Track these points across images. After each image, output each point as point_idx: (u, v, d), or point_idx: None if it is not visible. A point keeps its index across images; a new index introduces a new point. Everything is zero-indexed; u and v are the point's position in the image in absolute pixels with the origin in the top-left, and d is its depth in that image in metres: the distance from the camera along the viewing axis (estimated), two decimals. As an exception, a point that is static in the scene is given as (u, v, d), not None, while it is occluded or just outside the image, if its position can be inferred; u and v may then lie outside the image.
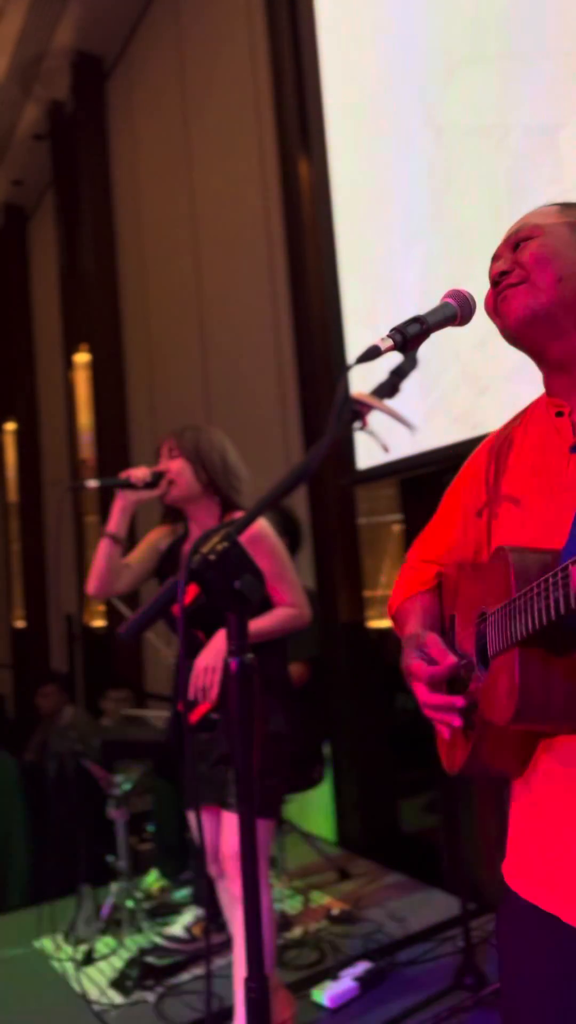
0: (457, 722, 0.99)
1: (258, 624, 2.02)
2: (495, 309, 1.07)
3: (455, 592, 1.14)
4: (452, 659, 1.00)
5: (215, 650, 1.98)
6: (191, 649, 2.05)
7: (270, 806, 2.07)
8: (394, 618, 1.24)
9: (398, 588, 1.25)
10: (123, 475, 2.15)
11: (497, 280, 1.06)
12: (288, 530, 3.17)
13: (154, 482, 2.14)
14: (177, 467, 2.14)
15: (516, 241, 1.06)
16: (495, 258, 1.09)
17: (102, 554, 2.15)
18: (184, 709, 2.07)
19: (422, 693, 1.02)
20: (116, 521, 2.15)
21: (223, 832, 2.06)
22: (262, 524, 2.09)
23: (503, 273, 1.05)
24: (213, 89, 4.57)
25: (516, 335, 1.05)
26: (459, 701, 0.99)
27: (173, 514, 2.28)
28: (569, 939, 0.94)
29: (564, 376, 1.05)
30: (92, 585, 2.18)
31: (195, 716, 2.06)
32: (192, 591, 2.05)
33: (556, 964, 0.96)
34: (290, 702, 2.13)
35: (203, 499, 2.17)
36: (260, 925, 0.99)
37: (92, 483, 2.22)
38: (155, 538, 2.29)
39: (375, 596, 3.74)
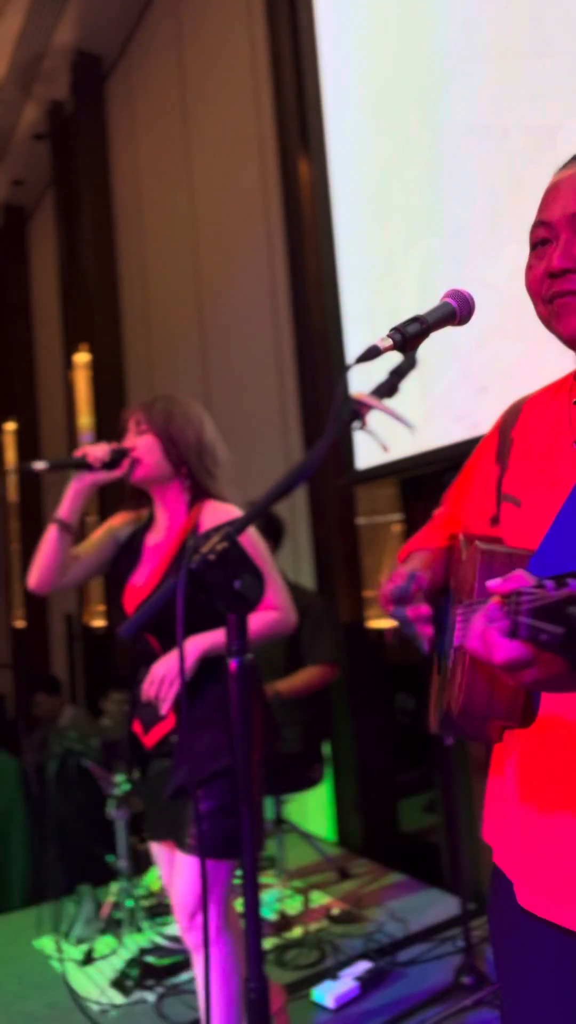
0: (427, 631, 0.99)
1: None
2: (544, 302, 0.98)
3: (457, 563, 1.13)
4: (425, 578, 1.00)
5: (174, 661, 1.77)
6: (145, 659, 1.87)
7: (231, 846, 1.77)
8: (401, 560, 1.22)
9: (414, 539, 1.24)
10: (78, 453, 1.87)
11: (555, 274, 0.95)
12: (271, 530, 3.16)
13: (114, 461, 1.87)
14: (144, 444, 1.88)
15: None
16: (547, 226, 0.97)
17: (47, 543, 1.88)
18: (142, 731, 1.89)
19: (390, 605, 1.01)
20: (67, 506, 1.89)
21: (177, 878, 1.82)
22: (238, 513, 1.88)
23: (565, 271, 0.94)
24: (213, 89, 4.57)
25: (569, 343, 0.99)
26: (427, 613, 0.99)
27: (138, 497, 2.02)
28: (521, 913, 0.96)
29: None
30: (33, 577, 1.93)
31: (152, 739, 1.86)
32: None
33: (514, 934, 0.98)
34: (265, 726, 1.86)
35: (172, 482, 1.91)
36: (260, 925, 0.99)
37: (39, 465, 1.85)
38: (115, 525, 2.03)
39: (375, 596, 3.74)
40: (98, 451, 1.87)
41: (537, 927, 0.94)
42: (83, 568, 1.96)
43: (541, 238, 0.99)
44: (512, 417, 1.13)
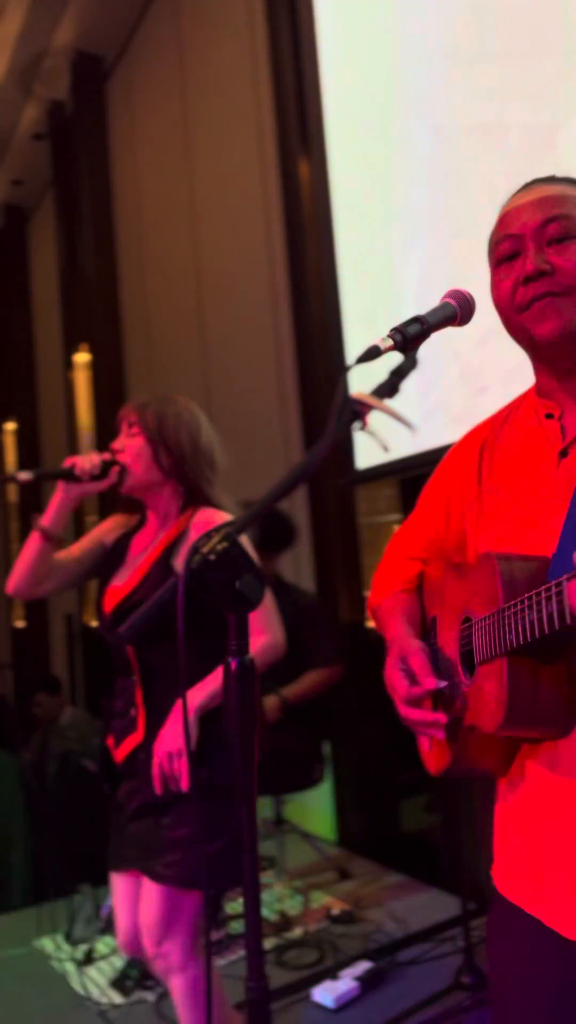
0: (440, 735, 1.00)
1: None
2: (519, 309, 1.00)
3: (439, 593, 1.13)
4: (432, 682, 1.00)
5: (174, 733, 1.66)
6: (120, 668, 1.80)
7: (205, 875, 1.69)
8: (375, 613, 1.22)
9: (379, 583, 1.23)
10: (67, 463, 1.82)
11: (530, 278, 0.97)
12: (281, 533, 3.16)
13: (103, 472, 1.81)
14: (134, 448, 1.81)
15: (551, 237, 0.98)
16: (514, 238, 1.00)
17: (28, 550, 1.83)
18: (113, 744, 1.81)
19: (403, 709, 1.03)
20: (51, 515, 1.83)
21: (145, 905, 1.72)
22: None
23: (541, 273, 0.96)
24: (213, 89, 4.57)
25: (545, 347, 1.00)
26: (441, 718, 0.99)
27: (130, 502, 1.95)
28: (552, 942, 0.94)
29: (567, 381, 1.02)
30: (11, 582, 1.86)
31: (122, 753, 1.78)
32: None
33: (539, 966, 0.96)
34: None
35: (164, 487, 1.84)
36: (260, 925, 0.99)
37: (24, 475, 1.80)
38: (105, 530, 1.98)
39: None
40: (86, 463, 1.81)
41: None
42: (63, 576, 1.90)
43: (507, 252, 1.01)
44: (474, 441, 1.14)
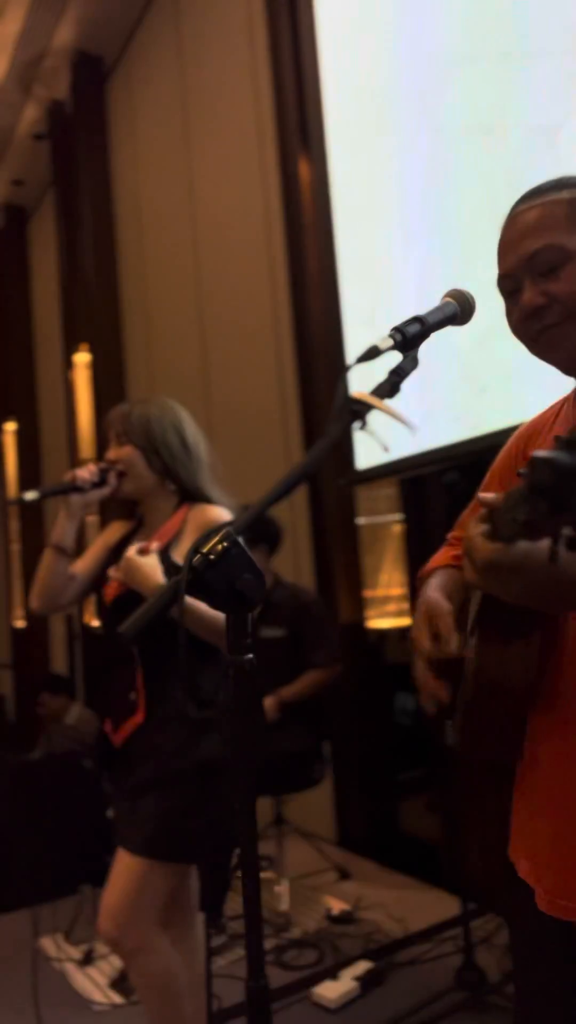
0: (432, 710, 1.04)
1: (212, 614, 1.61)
2: (531, 341, 1.02)
3: None
4: (454, 647, 1.02)
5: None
6: (120, 658, 1.83)
7: (179, 850, 1.73)
8: (420, 580, 1.24)
9: (433, 559, 1.26)
10: (68, 477, 1.89)
11: (532, 314, 0.99)
12: (268, 535, 3.16)
13: (102, 480, 1.89)
14: (127, 457, 1.88)
15: (542, 269, 0.99)
16: (509, 277, 1.02)
17: (45, 567, 1.90)
18: (111, 729, 1.84)
19: (418, 667, 1.06)
20: (60, 530, 1.90)
21: (113, 878, 1.76)
22: (225, 515, 1.86)
23: (539, 308, 0.99)
24: (213, 89, 4.57)
25: (566, 371, 1.03)
26: (443, 693, 1.02)
27: (130, 506, 2.02)
28: (550, 922, 0.96)
29: None
30: (35, 601, 1.94)
31: (120, 737, 1.80)
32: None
33: (544, 943, 0.99)
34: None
35: (161, 488, 1.90)
36: (260, 925, 0.99)
37: (30, 495, 1.86)
38: (108, 534, 2.05)
39: (375, 596, 3.74)
40: (85, 473, 1.88)
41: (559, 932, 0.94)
42: (82, 584, 1.97)
43: (508, 289, 1.04)
44: (520, 439, 1.16)
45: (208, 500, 1.89)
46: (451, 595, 1.12)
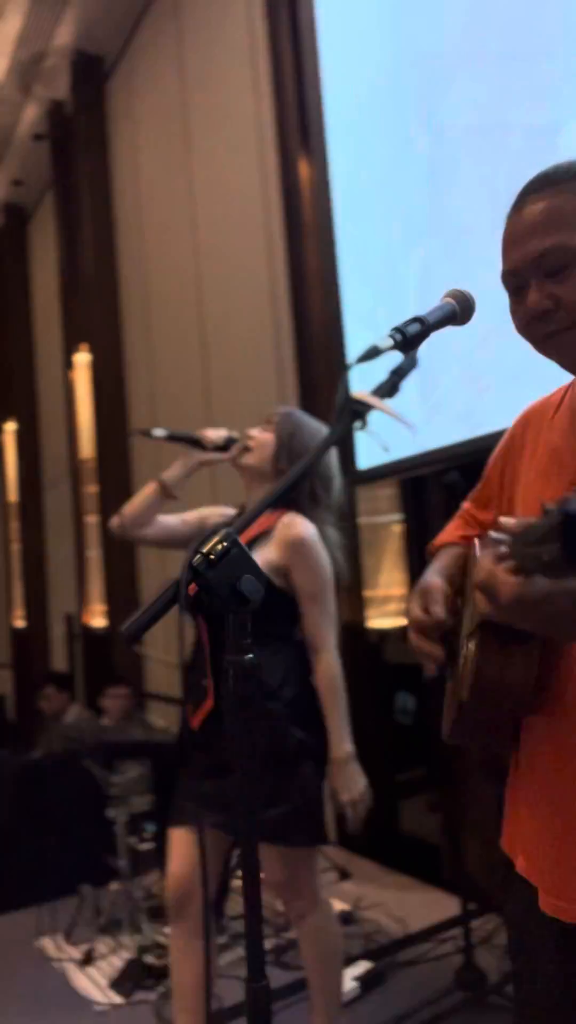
0: (431, 670, 1.05)
1: (333, 713, 1.94)
2: (537, 342, 1.01)
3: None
4: (439, 612, 1.04)
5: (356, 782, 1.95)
6: (194, 645, 1.91)
7: (300, 831, 1.87)
8: (428, 554, 1.25)
9: (442, 534, 1.27)
10: (198, 432, 2.02)
11: (537, 316, 0.97)
12: None
13: (225, 446, 2.01)
14: (262, 439, 1.98)
15: (549, 270, 0.96)
16: (514, 274, 1.00)
17: (144, 496, 2.01)
18: (191, 712, 1.91)
19: (412, 634, 1.07)
20: (174, 472, 2.01)
21: (270, 869, 1.91)
22: (311, 532, 1.91)
23: (545, 312, 0.96)
24: (213, 89, 4.57)
25: (573, 371, 1.02)
26: (440, 653, 1.03)
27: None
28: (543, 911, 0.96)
29: None
30: (116, 519, 2.03)
31: (197, 720, 1.87)
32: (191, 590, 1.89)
33: (534, 932, 0.99)
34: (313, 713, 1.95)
35: (269, 483, 1.97)
36: (260, 925, 0.99)
37: (159, 432, 2.03)
38: (208, 513, 2.12)
39: (375, 596, 3.74)
40: (213, 434, 2.02)
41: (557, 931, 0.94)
42: (165, 530, 2.05)
43: (513, 287, 1.01)
44: (522, 423, 1.15)
45: (305, 514, 1.94)
46: (451, 578, 1.13)
